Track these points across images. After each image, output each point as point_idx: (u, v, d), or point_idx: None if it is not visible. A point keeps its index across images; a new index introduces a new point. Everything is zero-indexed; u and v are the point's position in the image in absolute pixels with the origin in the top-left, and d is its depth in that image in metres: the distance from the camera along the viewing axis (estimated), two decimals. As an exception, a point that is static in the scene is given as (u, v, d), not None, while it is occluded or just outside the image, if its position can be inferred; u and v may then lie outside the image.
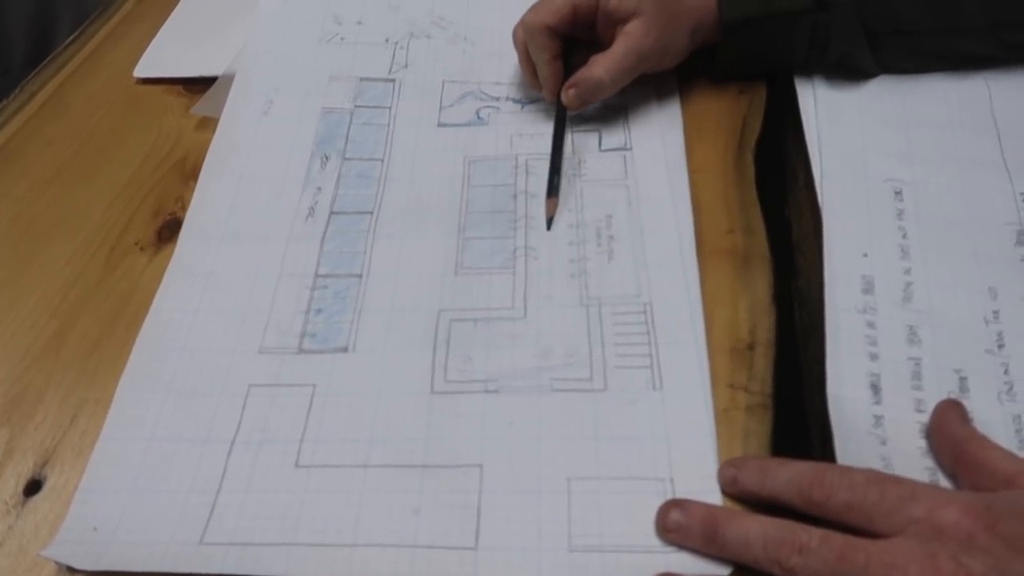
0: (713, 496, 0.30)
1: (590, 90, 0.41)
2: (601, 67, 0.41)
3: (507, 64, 0.48)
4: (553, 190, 0.40)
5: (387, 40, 0.50)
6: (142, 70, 0.51)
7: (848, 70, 0.43)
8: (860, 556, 0.25)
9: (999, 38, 0.41)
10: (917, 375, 0.33)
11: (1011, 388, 0.32)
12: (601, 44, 0.42)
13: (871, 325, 0.35)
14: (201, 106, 0.48)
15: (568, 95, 0.42)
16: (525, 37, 0.42)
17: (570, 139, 0.43)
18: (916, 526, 0.25)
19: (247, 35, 0.51)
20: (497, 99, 0.46)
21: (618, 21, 0.41)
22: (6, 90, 0.51)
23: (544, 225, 0.40)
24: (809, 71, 0.44)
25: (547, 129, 0.44)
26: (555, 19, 0.41)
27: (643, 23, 0.40)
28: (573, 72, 0.42)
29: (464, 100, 0.46)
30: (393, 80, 0.48)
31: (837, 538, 0.26)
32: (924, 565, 0.24)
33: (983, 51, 0.42)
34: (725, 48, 0.43)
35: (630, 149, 0.42)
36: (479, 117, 0.45)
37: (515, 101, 0.46)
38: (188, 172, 0.45)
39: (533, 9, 0.42)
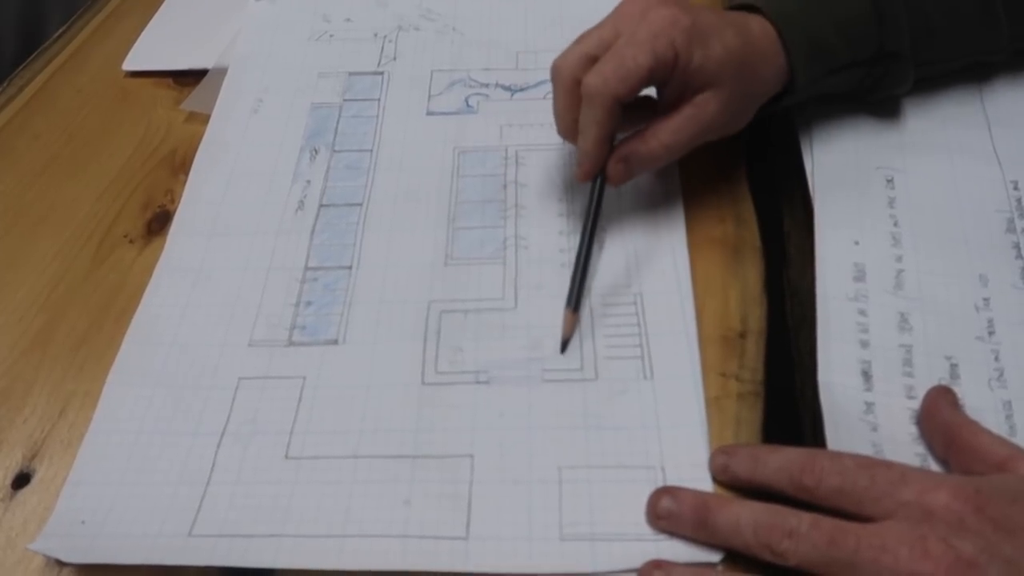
0: (704, 484, 0.30)
1: (643, 165, 0.36)
2: (660, 141, 0.35)
3: (495, 51, 0.48)
4: (571, 301, 0.35)
5: (375, 35, 0.50)
6: (131, 63, 0.50)
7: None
8: (850, 540, 0.25)
9: (1013, 48, 0.41)
10: (908, 362, 0.33)
11: (1001, 375, 0.32)
12: (660, 103, 0.36)
13: (862, 313, 0.35)
14: (191, 101, 0.48)
15: (617, 169, 0.35)
16: (584, 102, 0.34)
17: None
18: (906, 509, 0.26)
19: (237, 35, 0.51)
20: (486, 85, 0.46)
21: (691, 89, 0.35)
22: (-5, 84, 0.50)
23: (536, 216, 0.39)
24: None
25: (536, 119, 0.44)
26: (627, 89, 0.33)
27: (717, 95, 0.35)
28: None
29: (453, 88, 0.46)
30: (382, 73, 0.48)
31: (827, 522, 0.26)
32: (914, 548, 0.24)
33: (996, 61, 0.42)
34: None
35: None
36: (468, 105, 0.45)
37: (504, 88, 0.46)
38: (178, 165, 0.45)
39: (600, 72, 0.33)
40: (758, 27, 0.36)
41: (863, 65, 0.38)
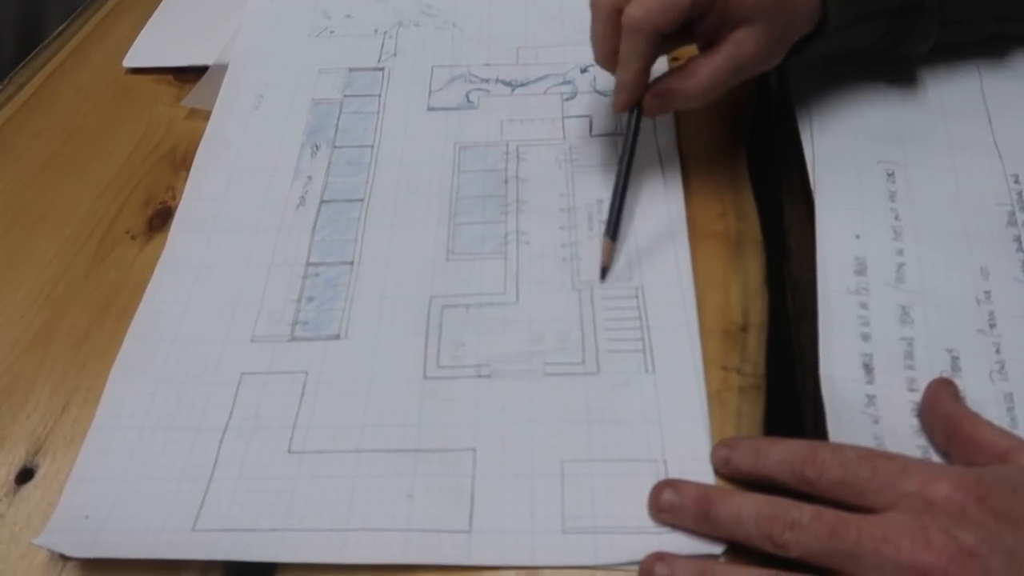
0: (706, 477, 0.30)
1: (679, 102, 0.36)
2: (698, 80, 0.35)
3: (496, 47, 0.48)
4: (611, 230, 0.36)
5: (376, 31, 0.50)
6: (131, 60, 0.50)
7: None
8: (852, 531, 0.25)
9: None
10: (909, 355, 0.33)
11: (1003, 367, 0.33)
12: (697, 39, 0.37)
13: (864, 306, 0.35)
14: (191, 98, 0.48)
15: (654, 104, 0.36)
16: (625, 32, 0.35)
17: (561, 126, 0.43)
18: (907, 500, 0.26)
19: (237, 32, 0.51)
20: (487, 81, 0.46)
21: (729, 23, 0.35)
22: (-5, 82, 0.51)
23: (536, 211, 0.39)
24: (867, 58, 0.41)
25: (537, 114, 0.44)
26: (670, 21, 0.34)
27: (755, 32, 0.35)
28: None
29: (453, 83, 0.46)
30: (382, 69, 0.48)
31: (829, 514, 0.26)
32: (915, 538, 0.24)
33: (1014, 32, 0.42)
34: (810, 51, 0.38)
35: (621, 134, 0.42)
36: (469, 100, 0.45)
37: (504, 83, 0.46)
38: (179, 161, 0.45)
39: (642, 3, 0.34)
40: None
41: (889, 15, 0.38)
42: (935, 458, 0.30)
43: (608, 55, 0.37)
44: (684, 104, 0.37)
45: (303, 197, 0.41)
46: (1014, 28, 0.41)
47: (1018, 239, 0.37)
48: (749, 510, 0.27)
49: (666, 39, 0.35)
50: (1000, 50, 0.44)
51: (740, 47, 0.35)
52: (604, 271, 0.36)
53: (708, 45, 0.36)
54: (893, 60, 0.41)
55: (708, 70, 0.35)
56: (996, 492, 0.25)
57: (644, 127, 0.40)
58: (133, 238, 0.41)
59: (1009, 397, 0.32)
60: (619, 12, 0.35)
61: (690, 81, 0.36)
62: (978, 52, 0.43)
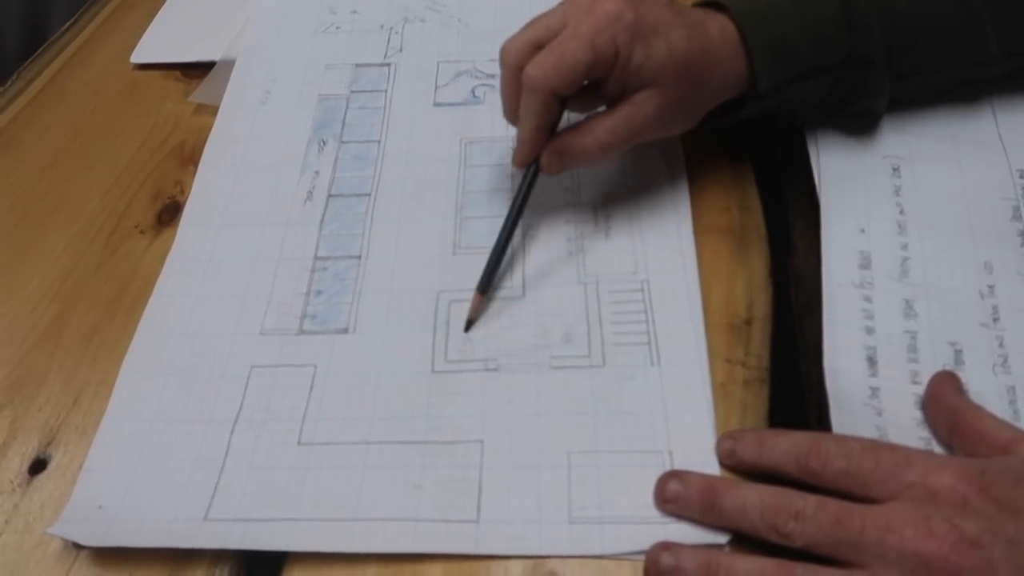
0: (711, 468, 0.30)
1: (577, 160, 0.36)
2: (595, 138, 0.35)
3: (501, 42, 0.48)
4: (483, 284, 0.35)
5: (382, 26, 0.50)
6: (139, 56, 0.51)
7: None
8: (856, 521, 0.26)
9: (1012, 65, 0.39)
10: (913, 348, 0.33)
11: (1005, 360, 0.33)
12: (603, 96, 0.36)
13: (868, 299, 0.35)
14: (199, 93, 0.48)
15: (551, 161, 0.36)
16: (523, 91, 0.34)
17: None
18: (911, 491, 0.26)
19: (244, 27, 0.51)
20: (492, 76, 0.46)
21: (631, 86, 0.34)
22: (0, 80, 0.51)
23: (542, 204, 0.40)
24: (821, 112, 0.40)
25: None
26: (565, 83, 0.33)
27: (656, 96, 0.34)
28: None
29: (459, 79, 0.47)
30: (388, 64, 0.48)
31: (833, 504, 0.26)
32: (919, 528, 0.25)
33: (992, 76, 0.40)
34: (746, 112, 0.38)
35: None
36: (474, 96, 0.46)
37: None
38: (187, 156, 0.45)
39: (540, 63, 0.33)
40: (717, 29, 0.35)
41: (832, 72, 0.37)
42: (938, 450, 0.30)
43: (513, 110, 0.36)
44: (582, 162, 0.36)
45: (311, 192, 0.42)
46: (985, 73, 0.39)
47: (1022, 234, 0.37)
48: (754, 500, 0.27)
49: (575, 98, 0.35)
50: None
51: (639, 108, 0.34)
52: (469, 323, 0.35)
53: (613, 104, 0.35)
54: (855, 114, 0.40)
55: (604, 128, 0.35)
56: (998, 483, 0.25)
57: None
58: (142, 232, 0.41)
59: (1012, 390, 0.32)
60: (522, 69, 0.34)
61: (587, 138, 0.35)
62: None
